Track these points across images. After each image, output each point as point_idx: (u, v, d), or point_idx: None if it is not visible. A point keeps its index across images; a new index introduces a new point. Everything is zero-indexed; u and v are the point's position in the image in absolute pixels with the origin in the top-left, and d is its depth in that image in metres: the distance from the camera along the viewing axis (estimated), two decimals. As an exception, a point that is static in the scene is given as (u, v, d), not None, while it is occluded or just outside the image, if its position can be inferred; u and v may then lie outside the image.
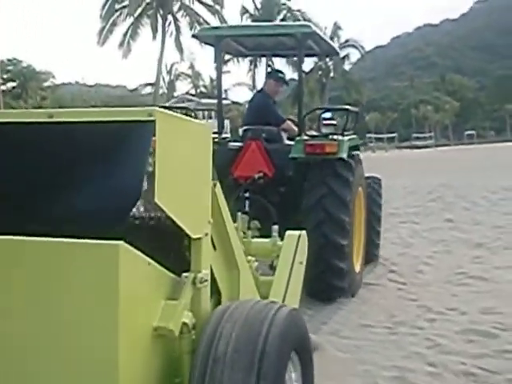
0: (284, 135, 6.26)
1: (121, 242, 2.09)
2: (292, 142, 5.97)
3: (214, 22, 40.53)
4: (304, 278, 3.87)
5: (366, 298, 6.03)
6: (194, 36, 6.49)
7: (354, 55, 57.33)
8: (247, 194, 5.65)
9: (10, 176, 2.35)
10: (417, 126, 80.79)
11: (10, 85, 44.03)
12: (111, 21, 38.72)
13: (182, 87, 57.36)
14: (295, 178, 5.85)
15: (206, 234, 2.57)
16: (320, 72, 53.02)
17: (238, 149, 5.96)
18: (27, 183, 2.34)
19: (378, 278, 6.89)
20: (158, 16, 38.72)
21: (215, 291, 2.83)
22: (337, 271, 5.52)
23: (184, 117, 2.55)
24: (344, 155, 5.68)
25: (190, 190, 2.43)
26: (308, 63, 57.45)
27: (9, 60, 45.09)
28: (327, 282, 5.54)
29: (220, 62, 6.74)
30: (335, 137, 5.85)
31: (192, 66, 55.01)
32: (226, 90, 58.34)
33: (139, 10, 39.16)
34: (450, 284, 6.54)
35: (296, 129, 6.17)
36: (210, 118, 18.50)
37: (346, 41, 54.62)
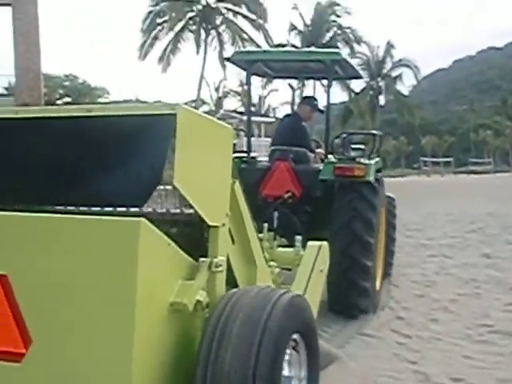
0: (311, 156, 6.66)
1: (142, 219, 2.39)
2: (320, 164, 6.45)
3: (257, 37, 39.94)
4: (329, 297, 4.47)
5: (351, 353, 4.82)
6: (227, 59, 7.22)
7: (412, 78, 55.32)
8: (276, 213, 6.04)
9: (51, 161, 2.78)
10: (476, 151, 78.70)
11: (66, 100, 44.70)
12: (153, 35, 38.67)
13: (231, 104, 57.04)
14: (322, 198, 6.28)
15: (224, 225, 2.89)
16: (371, 92, 51.58)
17: (266, 168, 6.39)
18: (60, 170, 2.76)
19: (380, 326, 5.85)
20: (201, 30, 38.43)
21: (232, 283, 3.14)
22: (362, 291, 5.90)
23: (205, 115, 2.85)
24: (371, 178, 6.08)
25: (208, 181, 2.76)
26: (359, 83, 56.29)
27: (66, 76, 45.87)
28: (352, 301, 5.89)
29: (250, 84, 7.22)
30: (362, 160, 6.25)
31: (241, 84, 54.65)
32: (274, 109, 57.09)
33: (181, 24, 39.03)
34: (466, 340, 5.35)
35: (323, 152, 6.68)
36: (252, 136, 19.13)
37: (399, 60, 53.04)
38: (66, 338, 2.51)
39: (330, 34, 46.45)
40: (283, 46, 45.95)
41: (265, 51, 9.33)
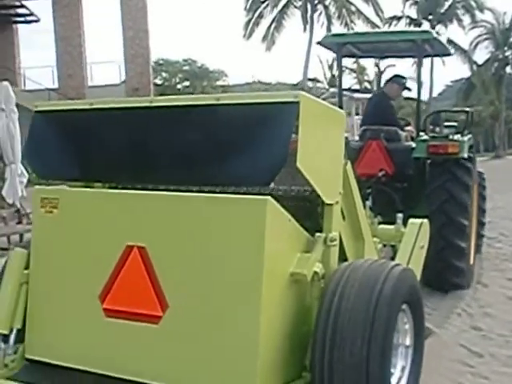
0: (402, 135, 6.75)
1: (269, 197, 2.76)
2: (411, 142, 6.58)
3: (367, 10, 38.79)
4: (424, 276, 4.37)
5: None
6: (317, 43, 7.19)
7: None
8: (369, 191, 6.14)
9: (184, 146, 3.08)
10: None
11: (185, 84, 45.90)
12: (257, 13, 38.56)
13: (346, 82, 56.23)
14: (415, 175, 6.45)
15: (337, 202, 3.19)
16: (496, 63, 48.82)
17: (359, 148, 6.55)
18: (192, 153, 3.06)
19: (451, 337, 4.97)
20: (308, 6, 37.87)
21: (342, 257, 3.40)
22: (456, 271, 6.09)
23: (323, 102, 3.15)
24: (465, 155, 6.20)
25: (324, 162, 3.09)
26: (483, 54, 53.40)
27: (184, 60, 47.15)
28: (447, 261, 6.04)
29: (341, 67, 7.69)
30: (455, 137, 6.38)
31: (357, 61, 53.64)
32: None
33: (285, 0, 38.57)
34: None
35: (415, 130, 6.78)
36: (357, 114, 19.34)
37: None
38: (200, 304, 2.88)
39: (448, 3, 44.33)
40: (399, 18, 44.59)
41: (355, 33, 9.52)
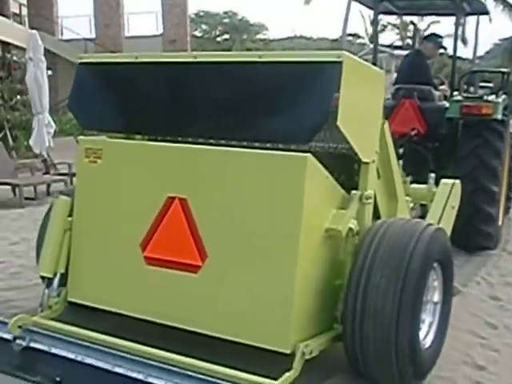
0: (436, 94, 6.69)
1: (309, 154, 2.86)
2: (444, 102, 6.54)
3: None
4: (452, 237, 4.15)
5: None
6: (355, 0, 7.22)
7: None
8: (401, 150, 6.01)
9: (227, 101, 3.16)
10: None
11: (224, 37, 45.50)
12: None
13: (388, 38, 54.97)
14: (447, 135, 6.44)
15: (373, 161, 3.28)
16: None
17: (391, 106, 6.46)
18: (235, 109, 3.14)
19: (466, 306, 4.62)
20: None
21: (375, 215, 3.49)
22: (486, 216, 6.08)
23: (364, 62, 3.21)
24: (499, 116, 6.16)
25: (363, 122, 3.16)
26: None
27: (225, 13, 46.60)
28: (475, 226, 6.05)
29: (377, 23, 7.87)
30: (490, 98, 6.31)
31: (400, 17, 52.24)
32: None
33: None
34: None
35: (449, 90, 6.75)
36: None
37: None
38: (238, 255, 3.01)
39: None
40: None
41: None
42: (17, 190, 9.25)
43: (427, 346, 3.19)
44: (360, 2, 7.17)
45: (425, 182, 4.89)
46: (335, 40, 45.05)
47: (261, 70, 3.07)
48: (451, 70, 6.89)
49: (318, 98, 2.85)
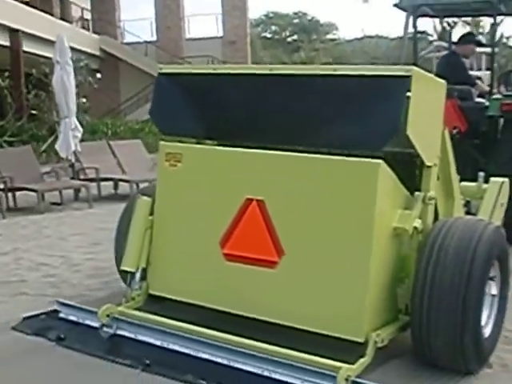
0: (474, 93, 6.99)
1: (381, 161, 3.18)
2: (482, 100, 6.85)
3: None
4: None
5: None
6: (394, 5, 7.44)
7: None
8: None
9: (303, 111, 3.47)
10: None
11: (294, 38, 45.41)
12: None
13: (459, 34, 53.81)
14: (488, 132, 6.73)
15: (435, 165, 3.59)
16: None
17: None
18: (310, 117, 3.47)
19: None
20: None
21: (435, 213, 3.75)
22: None
23: (429, 74, 3.54)
24: None
25: (428, 129, 3.47)
26: None
27: (295, 13, 46.54)
28: None
29: (416, 28, 7.75)
30: None
31: (471, 14, 50.57)
32: (508, 38, 52.86)
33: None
34: None
35: (487, 88, 7.03)
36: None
37: None
38: (313, 251, 3.31)
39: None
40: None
41: None
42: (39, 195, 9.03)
43: (487, 335, 3.43)
44: (400, 8, 7.43)
45: (468, 179, 5.04)
46: (401, 38, 44.53)
47: (335, 82, 3.35)
48: (490, 68, 7.20)
49: (390, 109, 3.13)
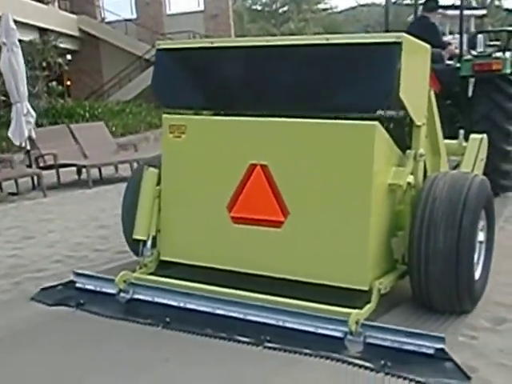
0: (445, 56, 7.35)
1: (377, 122, 3.44)
2: (451, 62, 7.23)
3: None
4: None
5: None
6: None
7: None
8: None
9: (298, 80, 3.70)
10: None
11: (284, 9, 44.63)
12: None
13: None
14: (460, 92, 7.15)
15: (424, 124, 3.88)
16: None
17: None
18: (306, 85, 3.69)
19: None
20: None
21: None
22: (503, 173, 6.81)
23: (416, 40, 3.71)
24: (508, 71, 6.80)
25: (416, 91, 3.74)
26: None
27: None
28: (494, 181, 6.35)
29: None
30: (498, 55, 6.96)
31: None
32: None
33: None
34: None
35: (457, 51, 7.31)
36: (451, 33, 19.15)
37: None
38: (316, 209, 3.56)
39: None
40: None
41: None
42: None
43: (477, 277, 3.74)
44: None
45: (447, 137, 5.29)
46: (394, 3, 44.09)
47: (328, 51, 3.58)
48: (459, 31, 7.38)
49: (384, 74, 3.39)
